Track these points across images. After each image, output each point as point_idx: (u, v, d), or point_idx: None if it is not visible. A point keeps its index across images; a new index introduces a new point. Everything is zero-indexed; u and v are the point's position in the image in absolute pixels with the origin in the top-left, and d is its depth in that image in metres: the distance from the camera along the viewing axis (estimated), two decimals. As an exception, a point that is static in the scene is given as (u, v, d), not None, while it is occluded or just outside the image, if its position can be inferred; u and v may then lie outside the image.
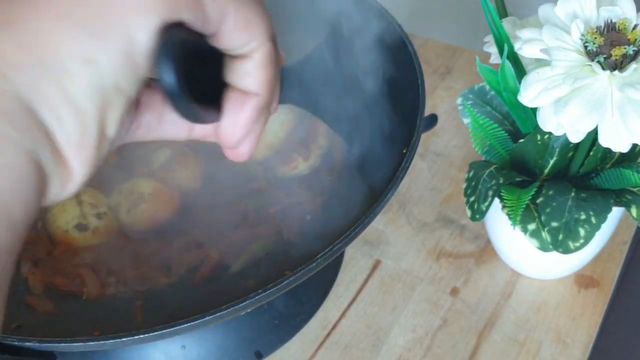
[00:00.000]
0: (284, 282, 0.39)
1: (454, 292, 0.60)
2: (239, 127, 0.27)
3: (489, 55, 0.50)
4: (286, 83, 0.30)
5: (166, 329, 0.38)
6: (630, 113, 0.39)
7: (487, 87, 0.55)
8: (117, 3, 0.21)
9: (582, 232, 0.47)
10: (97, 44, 0.21)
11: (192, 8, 0.23)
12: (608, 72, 0.39)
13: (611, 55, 0.39)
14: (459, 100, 0.56)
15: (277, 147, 0.59)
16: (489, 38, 0.50)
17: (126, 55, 0.22)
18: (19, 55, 0.21)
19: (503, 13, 0.51)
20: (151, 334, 0.38)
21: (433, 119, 0.55)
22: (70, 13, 0.21)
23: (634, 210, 0.47)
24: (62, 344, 0.39)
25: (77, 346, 0.37)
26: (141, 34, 0.22)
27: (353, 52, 0.61)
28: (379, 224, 0.66)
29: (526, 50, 0.42)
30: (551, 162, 0.49)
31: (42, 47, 0.21)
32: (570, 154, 0.49)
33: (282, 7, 0.65)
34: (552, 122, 0.41)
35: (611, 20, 0.41)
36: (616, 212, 0.50)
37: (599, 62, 0.39)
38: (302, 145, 0.57)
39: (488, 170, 0.50)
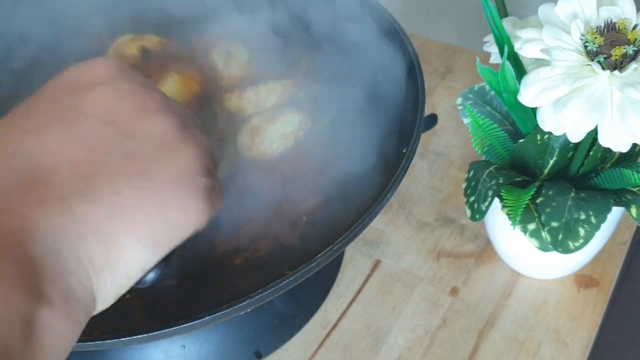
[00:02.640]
0: (284, 282, 0.39)
1: (454, 291, 0.60)
2: None
3: (489, 55, 0.50)
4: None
5: (166, 328, 0.38)
6: (630, 113, 0.39)
7: (487, 87, 0.55)
8: (178, 227, 0.28)
9: (581, 232, 0.47)
10: (154, 254, 0.28)
11: (205, 223, 0.30)
12: (608, 72, 0.39)
13: (611, 55, 0.39)
14: (459, 100, 0.56)
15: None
16: (489, 38, 0.50)
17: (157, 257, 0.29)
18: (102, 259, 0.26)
19: (503, 13, 0.51)
20: (151, 334, 0.38)
21: (433, 119, 0.55)
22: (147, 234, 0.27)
23: (633, 210, 0.47)
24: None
25: (77, 346, 0.37)
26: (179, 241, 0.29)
27: (353, 52, 0.61)
28: (379, 223, 0.66)
29: (526, 50, 0.42)
30: (551, 162, 0.49)
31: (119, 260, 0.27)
32: (570, 153, 0.49)
33: (282, 7, 0.66)
34: (552, 122, 0.41)
35: (611, 20, 0.41)
36: (616, 212, 0.50)
37: (599, 62, 0.39)
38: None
39: (488, 170, 0.50)
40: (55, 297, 0.23)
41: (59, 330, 0.23)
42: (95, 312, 0.27)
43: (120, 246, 0.26)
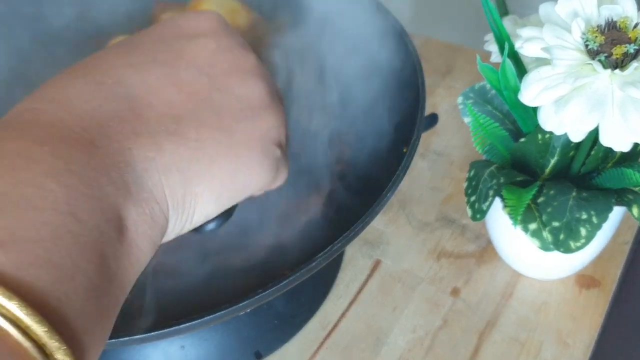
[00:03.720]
0: (284, 282, 0.39)
1: (455, 292, 0.60)
2: None
3: (489, 54, 0.50)
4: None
5: (166, 328, 0.38)
6: (632, 112, 0.38)
7: (488, 86, 0.55)
8: (243, 187, 0.30)
9: (583, 231, 0.46)
10: (218, 207, 0.30)
11: (263, 191, 0.33)
12: (609, 70, 0.39)
13: (612, 54, 0.39)
14: (460, 100, 0.56)
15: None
16: (490, 37, 0.49)
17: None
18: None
19: (503, 12, 0.51)
20: (150, 334, 0.37)
21: (433, 118, 0.55)
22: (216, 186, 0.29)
23: (635, 210, 0.46)
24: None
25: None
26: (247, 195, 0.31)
27: (353, 51, 0.61)
28: (379, 223, 0.66)
29: (527, 49, 0.42)
30: (552, 161, 0.49)
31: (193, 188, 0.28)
32: (572, 153, 0.49)
33: (282, 8, 0.65)
34: (553, 121, 0.41)
35: (612, 19, 0.41)
36: (617, 212, 0.50)
37: (599, 60, 0.39)
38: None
39: (489, 170, 0.50)
40: (140, 221, 0.25)
41: (139, 257, 0.25)
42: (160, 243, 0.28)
43: (195, 191, 0.28)
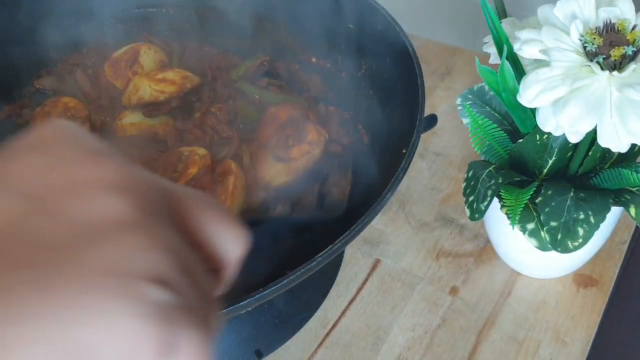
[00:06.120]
0: (284, 281, 0.39)
1: (454, 291, 0.60)
2: None
3: (488, 55, 0.50)
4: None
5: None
6: (629, 113, 0.39)
7: (487, 87, 0.55)
8: (100, 352, 0.19)
9: (580, 231, 0.47)
10: None
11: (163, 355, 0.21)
12: (607, 72, 0.39)
13: (610, 56, 0.40)
14: (458, 101, 0.56)
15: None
16: (489, 39, 0.50)
17: None
18: None
19: (502, 14, 0.51)
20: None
21: (432, 119, 0.55)
22: None
23: (632, 210, 0.47)
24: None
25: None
26: None
27: (353, 52, 0.62)
28: (378, 223, 0.66)
29: (525, 51, 0.43)
30: (550, 162, 0.49)
31: None
32: (569, 154, 0.49)
33: (282, 7, 0.66)
34: (551, 123, 0.41)
35: (610, 21, 0.42)
36: (615, 212, 0.50)
37: (598, 62, 0.40)
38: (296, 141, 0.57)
39: (487, 170, 0.51)
40: None
41: None
42: None
43: None
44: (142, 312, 0.19)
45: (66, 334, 0.19)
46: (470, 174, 0.52)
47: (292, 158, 0.55)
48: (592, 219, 0.47)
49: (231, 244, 0.25)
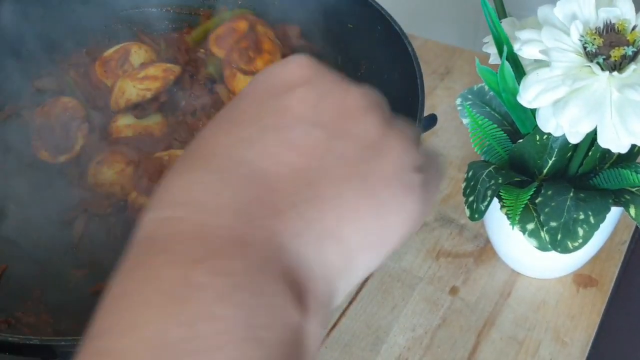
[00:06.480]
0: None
1: (454, 291, 0.60)
2: None
3: (488, 56, 0.50)
4: None
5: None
6: (629, 114, 0.39)
7: (486, 87, 0.55)
8: (395, 230, 0.27)
9: (580, 231, 0.47)
10: (378, 257, 0.27)
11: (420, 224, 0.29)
12: (607, 73, 0.39)
13: (610, 56, 0.40)
14: (458, 101, 0.56)
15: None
16: (489, 39, 0.50)
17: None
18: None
19: (502, 14, 0.51)
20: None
21: (432, 119, 0.55)
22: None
23: (632, 210, 0.47)
24: (63, 343, 0.40)
25: (77, 346, 0.37)
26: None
27: (353, 52, 0.62)
28: (378, 223, 0.66)
29: (525, 51, 0.43)
30: (550, 162, 0.49)
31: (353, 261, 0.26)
32: (569, 154, 0.49)
33: (279, 8, 0.66)
34: (551, 123, 0.41)
35: (610, 21, 0.42)
36: (615, 212, 0.50)
37: (598, 63, 0.40)
38: None
39: (487, 170, 0.51)
40: (311, 306, 0.24)
41: (317, 338, 0.24)
42: None
43: (352, 248, 0.26)
44: (416, 192, 0.27)
45: (379, 219, 0.26)
46: (470, 174, 0.52)
47: (258, 70, 0.54)
48: (592, 219, 0.47)
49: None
